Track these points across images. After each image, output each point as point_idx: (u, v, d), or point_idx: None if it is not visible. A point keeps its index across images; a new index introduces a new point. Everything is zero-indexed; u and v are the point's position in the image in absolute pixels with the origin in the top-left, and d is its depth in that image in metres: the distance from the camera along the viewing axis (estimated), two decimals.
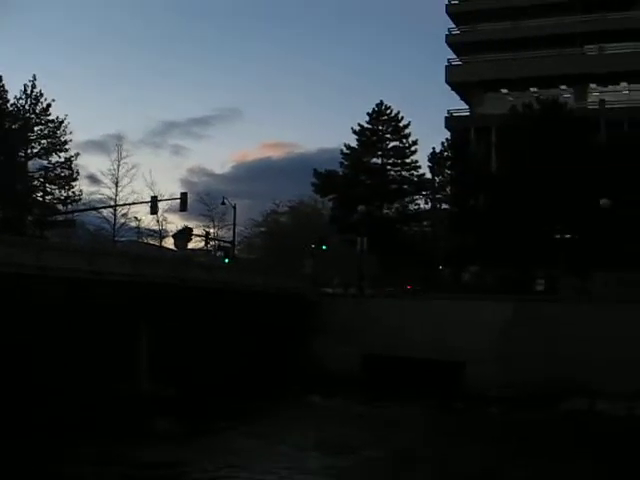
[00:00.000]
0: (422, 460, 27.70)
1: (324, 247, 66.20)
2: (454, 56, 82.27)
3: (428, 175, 72.51)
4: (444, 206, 72.85)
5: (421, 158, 72.68)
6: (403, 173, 71.48)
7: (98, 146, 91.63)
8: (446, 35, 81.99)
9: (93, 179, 77.07)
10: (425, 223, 73.98)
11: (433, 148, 73.55)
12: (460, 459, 27.79)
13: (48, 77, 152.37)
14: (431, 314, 46.29)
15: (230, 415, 33.12)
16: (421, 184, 71.75)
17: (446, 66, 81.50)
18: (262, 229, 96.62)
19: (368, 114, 71.75)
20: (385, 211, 70.57)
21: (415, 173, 71.50)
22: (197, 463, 26.00)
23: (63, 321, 33.41)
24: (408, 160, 71.39)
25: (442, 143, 74.31)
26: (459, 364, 43.30)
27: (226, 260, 70.30)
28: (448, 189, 72.78)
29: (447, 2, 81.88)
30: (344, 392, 40.51)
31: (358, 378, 44.04)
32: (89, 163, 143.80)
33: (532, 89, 76.23)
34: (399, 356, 44.31)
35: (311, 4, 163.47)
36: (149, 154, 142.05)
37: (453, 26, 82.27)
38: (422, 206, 73.47)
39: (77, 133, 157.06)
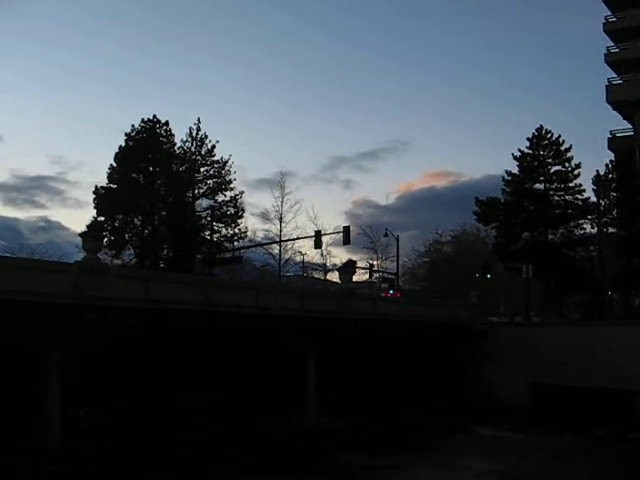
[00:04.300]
0: None
1: (489, 276, 65.40)
2: (614, 75, 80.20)
3: (593, 198, 70.77)
4: (611, 230, 70.74)
5: (585, 181, 70.94)
6: (567, 197, 69.94)
7: (270, 184, 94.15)
8: (605, 54, 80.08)
9: (263, 216, 79.07)
10: (592, 248, 71.90)
11: (597, 170, 71.70)
12: None
13: (216, 119, 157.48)
14: (602, 341, 44.89)
15: (403, 447, 33.13)
16: (586, 208, 69.93)
17: (606, 85, 79.53)
18: (425, 259, 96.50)
19: (528, 139, 70.81)
20: (550, 237, 69.14)
21: (579, 197, 69.81)
22: None
23: (232, 355, 34.49)
24: (571, 184, 69.84)
25: (606, 165, 72.31)
26: (633, 393, 41.85)
27: (390, 291, 70.63)
28: (615, 212, 70.68)
29: (604, 20, 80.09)
30: (514, 422, 40.01)
31: (527, 407, 43.40)
32: (261, 201, 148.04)
33: None
34: (569, 385, 43.30)
35: (468, 32, 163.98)
36: (320, 189, 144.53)
37: (612, 44, 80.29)
38: (588, 230, 71.55)
39: (250, 172, 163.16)
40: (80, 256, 32.24)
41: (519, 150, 70.92)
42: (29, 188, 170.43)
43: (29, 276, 24.62)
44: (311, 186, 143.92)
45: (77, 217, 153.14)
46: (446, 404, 42.77)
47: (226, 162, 71.62)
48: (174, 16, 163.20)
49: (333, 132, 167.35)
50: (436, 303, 53.05)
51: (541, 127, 70.94)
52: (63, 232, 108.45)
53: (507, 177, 71.26)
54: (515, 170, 71.01)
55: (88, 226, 63.91)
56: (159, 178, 69.47)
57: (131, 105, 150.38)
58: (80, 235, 30.99)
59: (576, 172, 69.83)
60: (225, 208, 71.55)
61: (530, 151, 70.70)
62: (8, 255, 52.16)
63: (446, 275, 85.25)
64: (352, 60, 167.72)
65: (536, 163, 70.50)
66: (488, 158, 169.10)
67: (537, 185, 70.45)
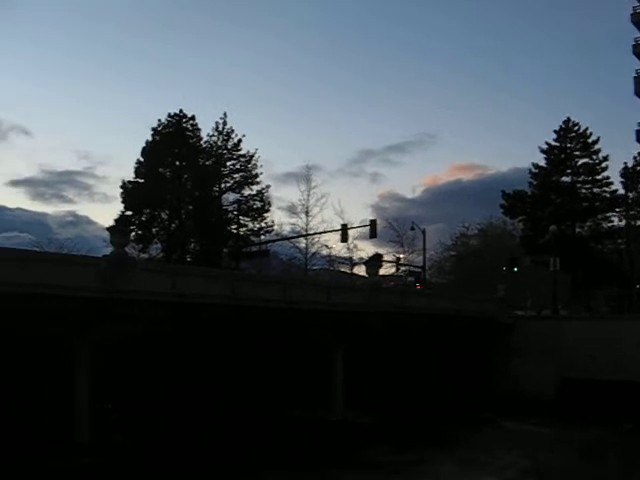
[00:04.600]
0: None
1: (515, 269, 65.12)
2: None
3: (621, 191, 70.41)
4: (639, 222, 70.28)
5: (612, 174, 70.66)
6: (594, 190, 69.69)
7: (296, 177, 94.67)
8: (633, 45, 79.23)
9: (289, 210, 79.21)
10: (620, 241, 71.57)
11: (625, 163, 71.44)
12: None
13: (243, 112, 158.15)
14: (630, 335, 44.56)
15: (429, 442, 33.05)
16: (614, 201, 69.65)
17: (634, 77, 78.70)
18: (452, 252, 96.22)
19: (555, 132, 70.54)
20: (577, 230, 68.84)
21: (607, 189, 69.59)
22: None
23: (259, 349, 34.60)
24: (599, 177, 69.61)
25: (634, 157, 71.88)
26: None
27: (417, 285, 70.52)
28: None
29: (632, 11, 79.29)
30: (541, 415, 39.83)
31: (554, 401, 43.23)
32: (288, 194, 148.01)
33: None
34: (596, 379, 43.06)
35: (491, 25, 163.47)
36: (347, 183, 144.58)
37: (639, 35, 79.46)
38: (616, 223, 71.24)
39: (276, 166, 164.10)
40: (108, 250, 32.46)
41: (546, 143, 70.83)
42: (57, 183, 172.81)
43: (57, 270, 24.85)
44: (337, 180, 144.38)
45: (105, 211, 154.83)
46: (472, 398, 42.68)
47: (252, 156, 72.01)
48: (200, 8, 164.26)
49: (360, 125, 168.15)
50: (463, 296, 52.76)
51: (568, 119, 70.73)
52: (91, 226, 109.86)
53: (534, 170, 71.10)
54: (542, 163, 70.96)
55: (116, 220, 64.64)
56: (186, 172, 69.86)
57: (158, 99, 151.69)
58: (108, 229, 31.20)
59: (604, 165, 69.66)
60: (251, 202, 71.92)
61: (557, 144, 70.52)
62: (37, 249, 52.58)
63: (473, 268, 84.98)
64: (379, 53, 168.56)
65: (563, 156, 70.30)
66: (515, 151, 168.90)
67: (564, 178, 70.28)
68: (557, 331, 47.27)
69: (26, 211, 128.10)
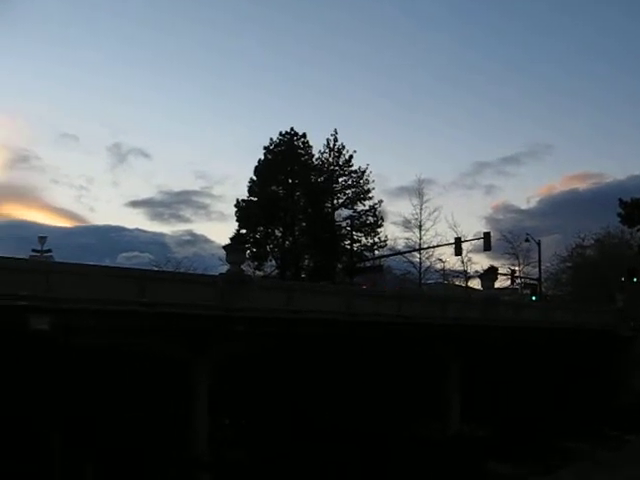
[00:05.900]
0: None
1: (635, 279, 63.43)
2: None
3: None
4: None
5: None
6: None
7: (410, 191, 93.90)
8: None
9: (403, 224, 78.85)
10: None
11: None
12: None
13: (356, 128, 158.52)
14: None
15: (551, 456, 32.70)
16: None
17: None
18: (568, 264, 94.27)
19: None
20: None
21: None
22: None
23: (372, 363, 34.66)
24: None
25: None
26: None
27: (533, 298, 69.45)
28: None
29: None
30: None
31: None
32: (403, 209, 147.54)
33: None
34: None
35: (611, 32, 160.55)
36: (460, 196, 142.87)
37: None
38: None
39: (391, 180, 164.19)
40: (224, 268, 33.10)
41: None
42: (175, 203, 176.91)
43: (176, 289, 25.58)
44: (451, 192, 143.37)
45: (221, 230, 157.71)
46: (591, 411, 41.81)
47: (364, 172, 72.08)
48: (312, 25, 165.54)
49: (474, 138, 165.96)
50: (579, 308, 51.77)
51: None
52: (208, 245, 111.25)
53: None
54: None
55: (231, 239, 65.54)
56: (298, 189, 70.37)
57: (272, 117, 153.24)
58: (224, 248, 31.84)
59: None
60: (364, 217, 71.91)
61: None
62: (155, 268, 53.98)
63: (590, 280, 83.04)
64: (491, 66, 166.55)
65: None
66: (632, 158, 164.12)
67: None
68: None
69: (145, 231, 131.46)
